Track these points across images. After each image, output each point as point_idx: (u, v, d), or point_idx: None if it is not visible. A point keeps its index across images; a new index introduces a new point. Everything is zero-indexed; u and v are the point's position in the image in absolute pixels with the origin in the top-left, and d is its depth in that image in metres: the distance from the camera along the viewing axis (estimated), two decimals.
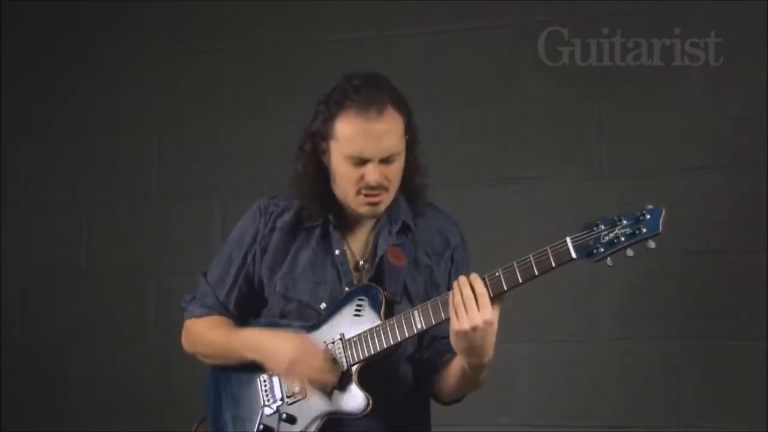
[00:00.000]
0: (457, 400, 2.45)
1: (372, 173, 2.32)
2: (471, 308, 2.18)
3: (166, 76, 4.31)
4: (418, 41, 4.00)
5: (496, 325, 2.21)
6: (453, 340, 2.22)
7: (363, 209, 2.38)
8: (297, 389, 2.37)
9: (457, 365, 2.31)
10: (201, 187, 4.18)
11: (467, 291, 2.19)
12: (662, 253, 3.60)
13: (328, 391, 2.33)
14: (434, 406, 2.53)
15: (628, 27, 3.71)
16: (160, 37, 4.33)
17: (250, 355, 2.41)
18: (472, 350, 2.22)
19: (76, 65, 4.41)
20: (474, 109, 3.92)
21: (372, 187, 2.34)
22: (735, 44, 3.62)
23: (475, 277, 2.21)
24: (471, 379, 2.32)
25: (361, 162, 2.33)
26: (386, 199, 2.38)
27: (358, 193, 2.36)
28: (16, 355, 4.36)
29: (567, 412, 3.73)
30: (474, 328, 2.18)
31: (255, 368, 2.43)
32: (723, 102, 3.65)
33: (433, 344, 2.42)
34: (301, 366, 2.33)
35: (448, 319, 2.25)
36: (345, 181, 2.36)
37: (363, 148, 2.32)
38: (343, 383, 2.33)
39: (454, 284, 2.22)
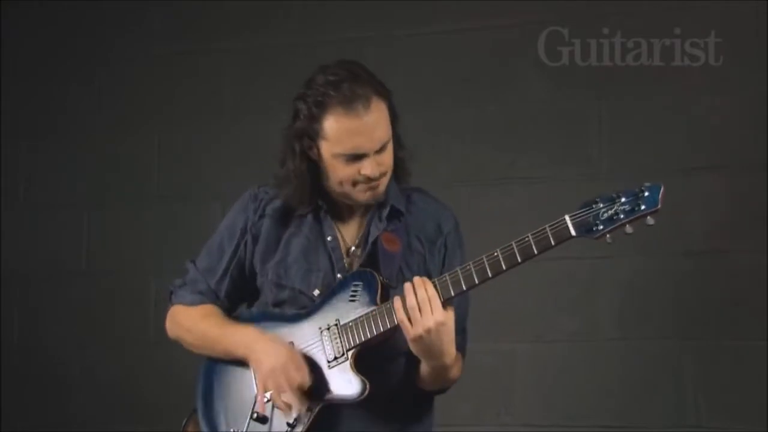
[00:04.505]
0: (438, 392, 2.45)
1: (371, 167, 2.32)
2: (425, 311, 2.20)
3: (166, 76, 4.31)
4: (418, 41, 4.00)
5: (451, 326, 2.23)
6: (410, 345, 2.25)
7: (364, 197, 2.38)
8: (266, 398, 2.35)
9: (422, 365, 2.32)
10: (201, 187, 4.18)
11: (421, 293, 2.21)
12: (662, 253, 3.67)
13: (289, 415, 2.31)
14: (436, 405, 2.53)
15: (628, 27, 3.71)
16: (160, 37, 4.33)
17: (241, 353, 2.40)
18: (431, 353, 2.25)
19: (76, 65, 4.41)
20: (474, 109, 3.92)
21: (371, 178, 2.34)
22: (735, 44, 3.62)
23: (424, 281, 2.23)
24: (439, 377, 2.33)
25: (357, 157, 2.32)
26: (384, 182, 2.38)
27: (355, 184, 2.35)
28: (16, 355, 4.36)
29: (567, 412, 3.73)
30: (428, 331, 2.20)
31: None
32: (723, 102, 3.65)
33: None
34: (277, 378, 2.31)
35: (449, 300, 2.25)
36: (341, 176, 2.35)
37: (357, 144, 2.31)
38: (339, 369, 2.32)
39: (406, 288, 2.23)
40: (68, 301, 4.33)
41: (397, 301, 2.24)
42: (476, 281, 2.23)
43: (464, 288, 2.24)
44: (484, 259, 2.22)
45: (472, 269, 2.23)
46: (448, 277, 2.24)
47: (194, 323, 2.49)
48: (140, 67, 4.34)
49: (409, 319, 2.22)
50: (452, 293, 2.24)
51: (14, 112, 4.46)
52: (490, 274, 2.22)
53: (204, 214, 4.05)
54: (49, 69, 4.44)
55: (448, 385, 2.41)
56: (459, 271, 2.24)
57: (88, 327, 4.28)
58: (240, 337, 2.41)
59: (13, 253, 4.41)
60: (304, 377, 2.32)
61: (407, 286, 2.23)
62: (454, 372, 2.35)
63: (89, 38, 4.41)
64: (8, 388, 4.31)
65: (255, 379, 2.39)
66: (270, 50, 4.17)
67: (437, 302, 2.21)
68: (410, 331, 2.22)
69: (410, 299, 2.21)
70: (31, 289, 4.39)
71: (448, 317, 2.22)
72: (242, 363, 2.42)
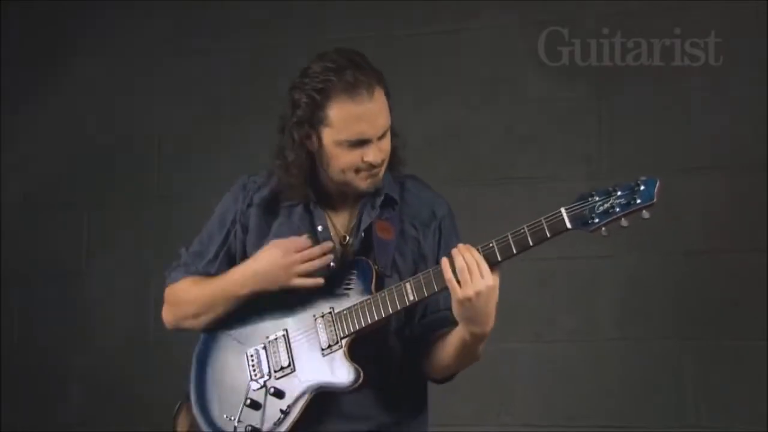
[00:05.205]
0: (450, 377, 2.43)
1: (374, 153, 2.32)
2: (474, 274, 2.18)
3: (166, 76, 4.31)
4: (418, 41, 4.00)
5: (497, 291, 2.21)
6: (456, 308, 2.22)
7: (365, 184, 2.37)
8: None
9: (456, 337, 2.30)
10: (201, 187, 4.18)
11: (469, 256, 2.19)
12: (662, 252, 3.67)
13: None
14: (432, 400, 2.52)
15: (628, 27, 3.71)
16: (160, 37, 4.33)
17: (243, 291, 2.40)
18: (476, 318, 2.22)
19: (76, 65, 4.41)
20: (474, 109, 3.92)
21: (373, 165, 2.34)
22: (735, 44, 3.63)
23: (469, 247, 2.22)
24: (470, 351, 2.31)
25: (360, 144, 2.32)
26: (383, 169, 2.39)
27: (357, 171, 2.35)
28: (16, 355, 4.36)
29: (567, 412, 3.73)
30: (478, 294, 2.18)
31: (242, 342, 2.41)
32: (723, 102, 3.66)
33: (423, 320, 2.41)
34: (289, 265, 2.34)
35: (440, 291, 2.25)
36: (343, 164, 2.34)
37: (362, 130, 2.31)
38: (333, 357, 2.32)
39: (453, 252, 2.21)
40: (68, 301, 4.33)
41: (444, 262, 2.22)
42: None
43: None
44: (479, 250, 2.22)
45: None
46: (495, 244, 2.22)
47: (187, 291, 2.48)
48: (140, 66, 4.34)
49: (458, 282, 2.20)
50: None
51: (14, 112, 4.46)
52: None
53: (203, 214, 4.04)
54: (49, 68, 4.44)
55: (471, 361, 2.37)
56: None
57: (88, 327, 4.28)
58: (233, 278, 2.41)
59: (13, 253, 4.41)
60: (303, 241, 2.35)
61: (454, 250, 2.22)
62: (483, 347, 2.32)
63: (89, 37, 4.40)
64: (8, 388, 4.31)
65: (248, 365, 2.39)
66: (270, 50, 4.17)
67: (486, 265, 2.19)
68: (458, 292, 2.19)
69: (459, 261, 2.20)
70: (31, 289, 4.39)
71: (497, 281, 2.21)
72: (235, 348, 2.41)
